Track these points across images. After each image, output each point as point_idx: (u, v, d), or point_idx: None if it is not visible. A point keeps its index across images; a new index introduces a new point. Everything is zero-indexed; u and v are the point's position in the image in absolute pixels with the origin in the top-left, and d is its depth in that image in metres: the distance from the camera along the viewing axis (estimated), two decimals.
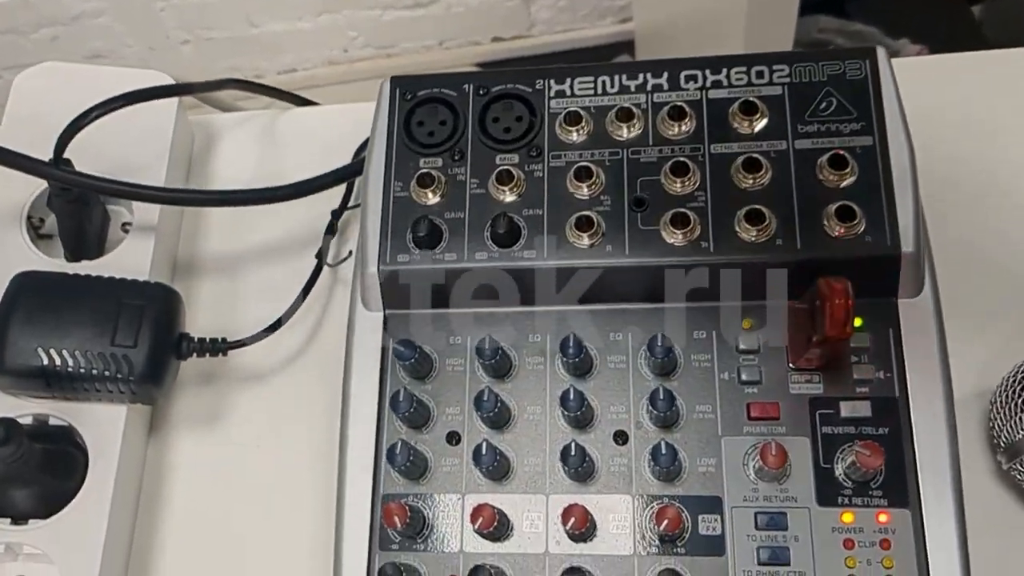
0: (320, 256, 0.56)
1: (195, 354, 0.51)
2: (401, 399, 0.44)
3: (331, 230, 0.57)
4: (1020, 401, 0.42)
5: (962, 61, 0.56)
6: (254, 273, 0.58)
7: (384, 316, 0.47)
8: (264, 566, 0.51)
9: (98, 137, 0.52)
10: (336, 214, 0.57)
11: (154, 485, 0.53)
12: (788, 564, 0.40)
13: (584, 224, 0.45)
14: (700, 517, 0.42)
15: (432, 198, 0.47)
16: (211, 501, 0.53)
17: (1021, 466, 0.43)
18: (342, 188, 0.58)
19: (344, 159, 0.59)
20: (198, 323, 0.56)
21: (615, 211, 0.45)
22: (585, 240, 0.45)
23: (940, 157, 0.48)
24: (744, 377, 0.44)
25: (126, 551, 0.51)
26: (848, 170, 0.44)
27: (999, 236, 0.51)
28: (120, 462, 0.49)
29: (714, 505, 0.42)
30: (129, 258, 0.54)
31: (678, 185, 0.45)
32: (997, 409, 0.44)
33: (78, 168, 0.51)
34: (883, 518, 0.41)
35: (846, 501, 0.41)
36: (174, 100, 0.58)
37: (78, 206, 0.53)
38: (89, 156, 0.52)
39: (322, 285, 0.57)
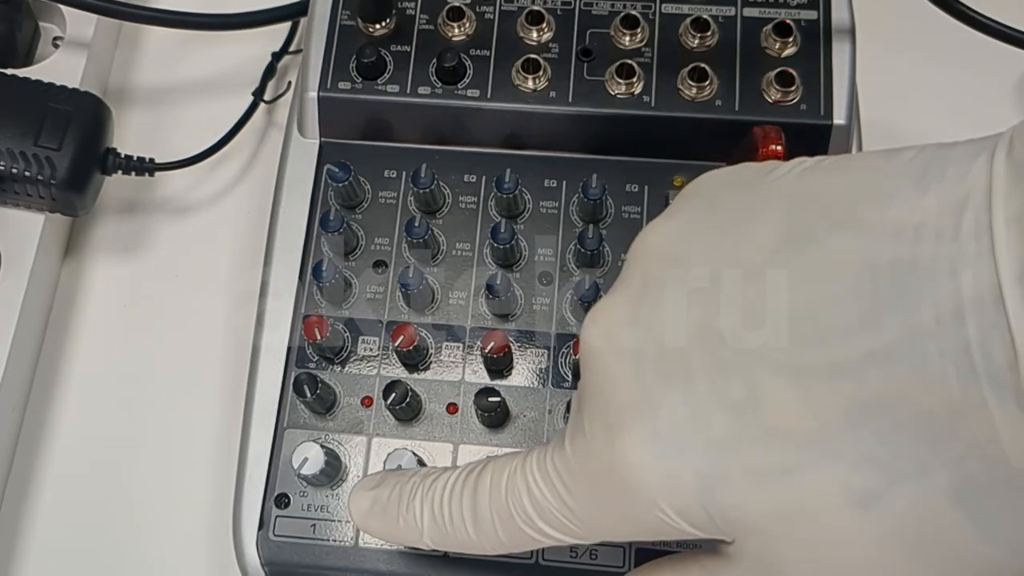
0: (257, 94, 0.55)
1: (120, 171, 0.50)
2: (331, 218, 0.43)
3: (270, 71, 0.56)
4: None
5: None
6: (188, 108, 0.57)
7: (320, 144, 0.47)
8: (175, 396, 0.50)
9: None
10: (277, 56, 0.56)
11: (65, 308, 0.52)
12: None
13: (530, 67, 0.45)
14: None
15: (379, 29, 0.46)
16: (123, 329, 0.51)
17: None
18: (284, 33, 0.57)
19: None
20: (126, 151, 0.55)
21: (562, 59, 0.45)
22: (530, 83, 0.45)
23: (881, 41, 0.49)
24: None
25: (30, 373, 0.49)
26: (791, 39, 0.45)
27: (925, 124, 0.53)
28: (32, 274, 0.48)
29: None
30: (59, 71, 0.52)
31: (627, 39, 0.45)
32: None
33: None
34: None
35: None
36: None
37: (8, 8, 0.51)
38: None
39: (257, 127, 0.56)
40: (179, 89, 0.58)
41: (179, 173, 0.53)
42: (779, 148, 0.39)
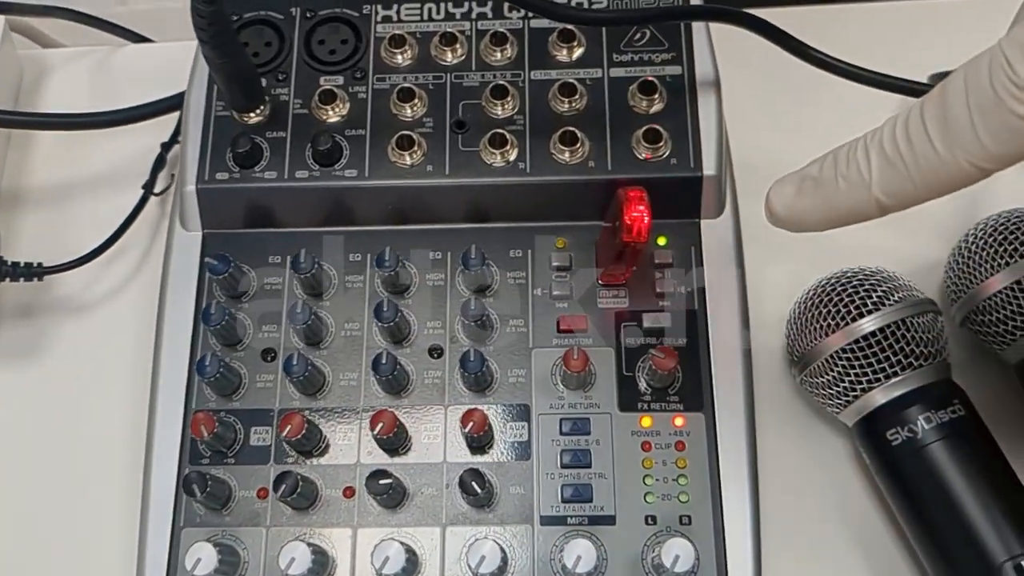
0: (147, 187, 0.55)
1: (8, 278, 0.49)
2: (212, 311, 0.43)
3: (160, 163, 0.56)
4: (810, 316, 0.45)
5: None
6: (83, 205, 0.57)
7: (203, 235, 0.47)
8: (80, 496, 0.49)
9: None
10: (166, 147, 0.56)
11: None
12: (589, 466, 0.42)
13: (405, 143, 0.45)
14: (509, 425, 0.43)
15: (254, 117, 0.47)
16: (26, 434, 0.51)
17: (809, 377, 0.45)
18: (173, 123, 0.57)
19: None
20: (22, 256, 0.54)
21: (437, 132, 0.46)
22: (407, 159, 0.45)
23: (749, 91, 0.51)
24: (555, 292, 0.45)
25: None
26: (657, 96, 0.46)
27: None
28: None
29: (522, 413, 0.43)
30: None
31: (498, 108, 0.46)
32: (790, 325, 0.46)
33: None
34: (679, 421, 0.42)
35: (645, 406, 0.43)
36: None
37: None
38: None
39: (150, 219, 0.56)
40: (73, 187, 0.58)
41: (76, 272, 0.53)
42: (642, 209, 0.40)
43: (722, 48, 0.48)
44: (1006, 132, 0.28)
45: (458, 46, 0.47)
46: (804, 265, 0.51)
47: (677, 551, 0.38)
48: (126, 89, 0.61)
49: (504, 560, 0.39)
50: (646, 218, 0.40)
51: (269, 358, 0.44)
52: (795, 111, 0.55)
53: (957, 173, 0.30)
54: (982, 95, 0.28)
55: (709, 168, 0.45)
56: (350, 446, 0.43)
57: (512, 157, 0.45)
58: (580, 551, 0.38)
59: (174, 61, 0.60)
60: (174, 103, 0.55)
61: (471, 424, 0.41)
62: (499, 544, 0.39)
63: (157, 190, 0.55)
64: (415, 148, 0.45)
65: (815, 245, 0.52)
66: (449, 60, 0.47)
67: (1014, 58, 0.28)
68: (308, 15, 0.49)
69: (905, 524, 0.43)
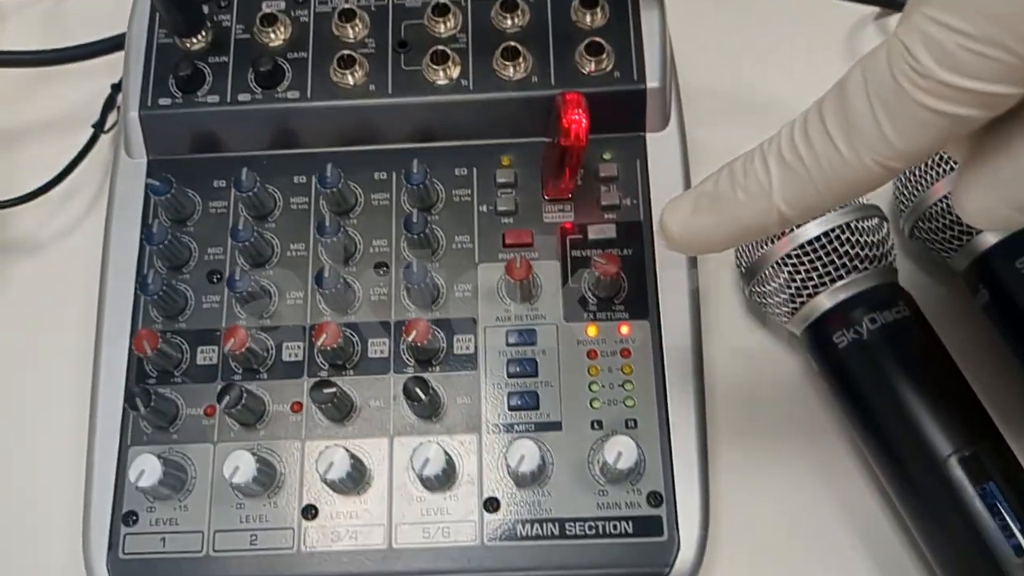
0: (97, 126, 0.54)
1: None
2: (155, 231, 0.43)
3: (110, 102, 0.56)
4: None
5: None
6: (32, 151, 0.57)
7: (148, 162, 0.47)
8: (38, 433, 0.49)
9: None
10: (116, 87, 0.56)
11: None
12: (535, 375, 0.42)
13: (347, 62, 0.45)
14: (455, 338, 0.43)
15: (197, 43, 0.46)
16: None
17: (757, 287, 0.45)
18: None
19: None
20: None
21: (379, 53, 0.46)
22: (349, 79, 0.45)
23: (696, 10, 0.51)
24: (501, 208, 0.45)
25: None
26: (599, 10, 0.46)
27: (750, 81, 0.53)
28: None
29: (468, 326, 0.43)
30: None
31: (440, 26, 0.46)
32: None
33: None
34: (624, 329, 0.43)
35: (591, 316, 0.43)
36: None
37: None
38: None
39: (103, 159, 0.55)
40: (25, 131, 0.57)
41: (30, 212, 0.53)
42: (580, 112, 0.40)
43: None
44: (913, 125, 0.26)
45: None
46: None
47: (620, 448, 0.38)
48: (79, 35, 0.60)
49: (450, 464, 0.39)
50: (584, 121, 0.40)
51: (215, 279, 0.44)
52: (743, 30, 0.55)
53: (863, 174, 0.28)
54: (884, 87, 0.27)
55: (653, 80, 0.45)
56: (297, 363, 0.43)
57: (455, 74, 0.45)
58: (524, 450, 0.38)
59: (125, 6, 0.60)
60: (121, 42, 0.55)
61: (414, 333, 0.41)
62: (444, 449, 0.39)
63: (107, 128, 0.55)
64: (356, 67, 0.45)
65: None
66: None
67: (913, 45, 0.26)
68: None
69: (853, 425, 0.43)
